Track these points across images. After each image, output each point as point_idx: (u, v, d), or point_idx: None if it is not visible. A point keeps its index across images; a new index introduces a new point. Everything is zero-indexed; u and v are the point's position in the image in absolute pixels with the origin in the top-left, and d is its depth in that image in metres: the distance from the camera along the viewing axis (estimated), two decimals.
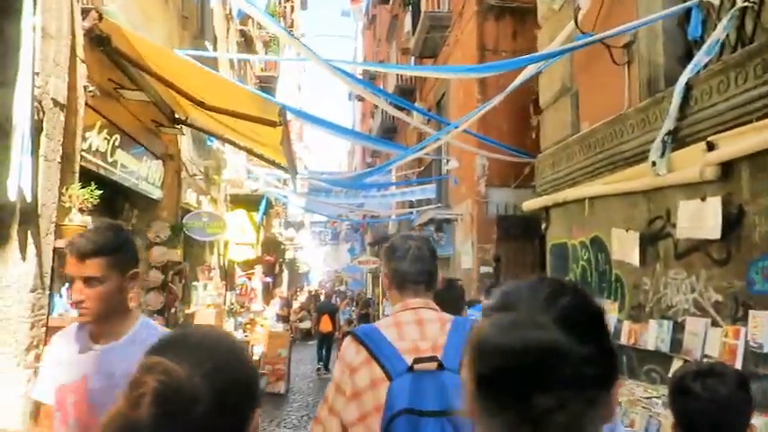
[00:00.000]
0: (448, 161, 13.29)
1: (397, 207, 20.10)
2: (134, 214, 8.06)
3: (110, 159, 6.38)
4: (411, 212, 16.30)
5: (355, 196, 16.02)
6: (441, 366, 1.87)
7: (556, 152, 8.12)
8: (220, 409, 0.91)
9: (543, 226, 8.77)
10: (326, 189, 15.82)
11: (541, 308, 0.89)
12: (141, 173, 7.61)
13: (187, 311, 10.28)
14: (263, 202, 13.93)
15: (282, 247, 27.62)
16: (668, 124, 5.39)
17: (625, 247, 6.35)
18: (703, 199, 5.02)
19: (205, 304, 11.37)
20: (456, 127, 9.18)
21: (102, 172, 6.20)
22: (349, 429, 1.92)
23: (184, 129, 8.95)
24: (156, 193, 8.41)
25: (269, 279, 18.79)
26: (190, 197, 9.99)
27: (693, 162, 5.09)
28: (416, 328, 2.03)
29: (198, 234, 9.54)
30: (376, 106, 28.61)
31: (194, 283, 11.27)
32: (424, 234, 13.80)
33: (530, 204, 8.98)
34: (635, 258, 6.10)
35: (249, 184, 14.07)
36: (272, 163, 8.59)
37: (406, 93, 19.46)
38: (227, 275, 13.77)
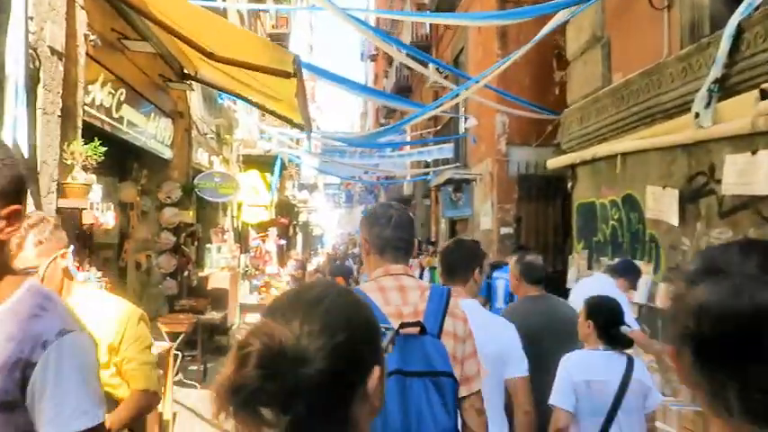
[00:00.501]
0: (466, 119, 12.83)
1: (412, 167, 19.70)
2: (144, 174, 7.76)
3: (115, 115, 6.05)
4: (427, 173, 15.90)
5: (370, 157, 15.63)
6: (423, 331, 1.94)
7: (584, 106, 7.68)
8: (332, 370, 0.89)
9: (569, 185, 8.38)
10: (340, 150, 15.46)
11: (757, 271, 0.80)
12: (150, 131, 7.28)
13: (201, 274, 10.06)
14: (277, 163, 13.59)
15: (296, 209, 27.37)
16: (715, 72, 4.95)
17: (662, 206, 5.97)
18: (754, 152, 4.61)
19: (219, 267, 11.15)
20: (477, 81, 8.73)
21: (107, 128, 5.87)
22: None
23: (194, 85, 8.58)
24: (167, 153, 8.09)
25: (283, 241, 18.56)
26: (201, 157, 9.67)
27: (743, 112, 4.66)
28: (399, 294, 2.10)
29: (210, 195, 9.25)
30: (389, 65, 27.99)
31: (208, 246, 11.04)
32: (443, 193, 13.43)
33: (555, 162, 8.57)
34: (673, 217, 5.72)
35: (262, 145, 13.73)
36: (286, 120, 8.22)
37: (422, 50, 18.87)
38: (241, 238, 13.54)
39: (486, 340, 2.47)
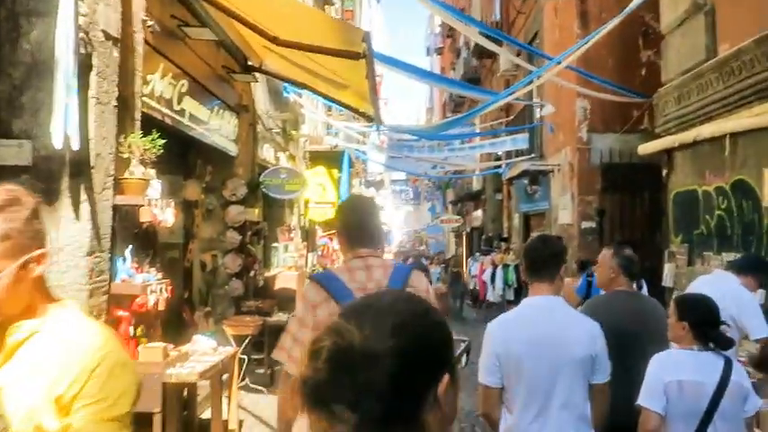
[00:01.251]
0: (542, 107, 12.09)
1: (482, 161, 19.00)
2: (208, 171, 7.47)
3: (176, 107, 5.73)
4: (499, 166, 15.21)
5: (439, 151, 15.06)
6: None
7: (683, 83, 6.90)
8: (401, 372, 0.92)
9: (664, 172, 7.59)
10: (408, 144, 14.97)
11: None
12: (213, 125, 6.97)
13: (267, 274, 9.76)
14: (345, 159, 13.21)
15: None
16: None
17: None
18: None
19: (286, 266, 10.85)
20: (558, 62, 8.04)
21: (167, 121, 5.56)
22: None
23: (259, 78, 8.25)
24: (231, 148, 7.79)
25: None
26: (267, 153, 9.36)
27: None
28: (364, 272, 2.41)
29: (276, 192, 8.92)
30: (457, 57, 27.28)
31: (274, 245, 10.75)
32: (517, 186, 12.73)
33: (647, 147, 7.80)
34: None
35: (328, 140, 13.39)
36: (354, 110, 7.78)
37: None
38: (309, 236, 13.24)
39: (571, 342, 2.55)
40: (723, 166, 6.18)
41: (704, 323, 2.83)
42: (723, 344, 2.82)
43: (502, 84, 17.51)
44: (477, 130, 17.03)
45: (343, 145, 13.43)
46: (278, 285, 9.94)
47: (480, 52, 19.89)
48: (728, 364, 2.76)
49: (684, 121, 6.93)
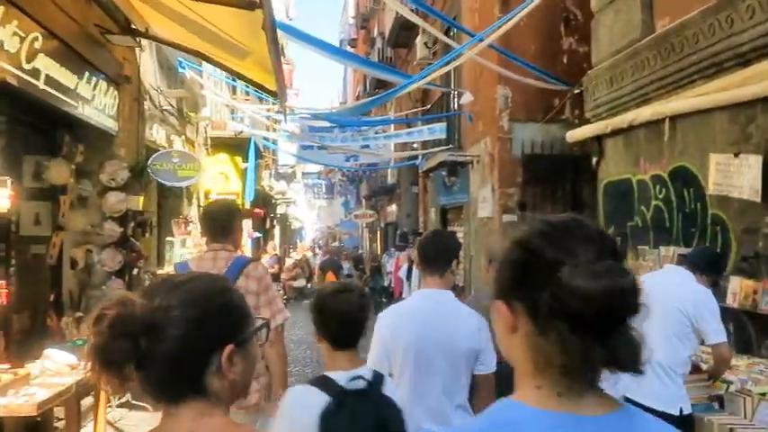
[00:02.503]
0: (460, 95, 11.50)
1: (398, 152, 18.32)
2: (79, 151, 6.30)
3: (26, 66, 4.60)
4: (415, 156, 14.56)
5: (353, 140, 14.25)
6: None
7: (616, 64, 6.38)
8: (182, 339, 1.06)
9: (594, 161, 7.10)
10: (320, 135, 14.09)
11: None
12: (84, 94, 5.84)
13: (159, 272, 8.63)
14: (251, 147, 12.14)
15: (273, 201, 25.88)
16: None
17: (733, 179, 4.68)
18: None
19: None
20: (481, 39, 7.39)
21: (12, 82, 4.43)
22: None
23: (146, 45, 7.14)
24: (110, 125, 6.65)
25: (258, 235, 17.09)
26: (158, 135, 8.22)
27: None
28: (211, 261, 3.06)
29: (167, 178, 7.80)
30: (371, 47, 26.50)
31: (169, 239, 9.60)
32: (435, 178, 12.08)
33: (576, 134, 7.29)
34: (753, 192, 4.44)
35: (233, 126, 12.27)
36: (256, 85, 6.83)
37: (407, 26, 17.50)
38: None
39: (457, 335, 2.62)
40: (661, 153, 5.69)
41: None
42: None
43: (419, 71, 16.89)
44: (392, 126, 16.35)
45: (249, 132, 12.36)
46: None
47: (396, 41, 19.25)
48: None
49: (617, 104, 6.42)
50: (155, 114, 8.03)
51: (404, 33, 18.39)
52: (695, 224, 5.22)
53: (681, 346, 3.57)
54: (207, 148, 11.79)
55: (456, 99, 12.58)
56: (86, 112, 5.92)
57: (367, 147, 13.41)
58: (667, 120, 5.44)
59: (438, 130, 12.01)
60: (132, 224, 6.84)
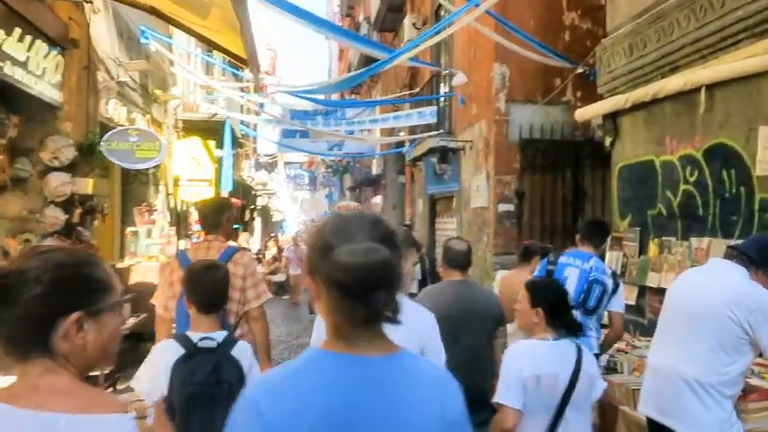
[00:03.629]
0: (452, 76, 10.66)
1: (383, 145, 17.44)
2: (13, 122, 5.37)
3: None
4: (402, 143, 13.71)
5: (336, 124, 13.41)
6: None
7: (637, 30, 5.57)
8: (27, 306, 1.22)
9: (608, 141, 6.28)
10: (301, 120, 13.24)
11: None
12: (15, 54, 4.91)
13: (119, 265, 7.73)
14: (227, 131, 11.20)
15: (254, 192, 24.90)
16: None
17: None
18: None
19: (146, 256, 8.81)
20: (476, 4, 6.54)
21: None
22: (171, 301, 3.43)
23: (101, 9, 6.22)
24: (53, 96, 5.73)
25: (237, 226, 16.13)
26: (115, 111, 7.28)
27: None
28: (205, 251, 3.46)
29: (123, 159, 6.85)
30: (357, 31, 25.54)
31: (132, 229, 8.68)
32: (425, 165, 11.21)
33: (587, 112, 6.49)
34: None
35: (207, 108, 11.33)
36: (225, 52, 5.96)
37: (395, 8, 16.64)
38: (182, 220, 11.16)
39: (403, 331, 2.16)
40: (693, 129, 4.88)
41: (558, 309, 2.79)
42: (575, 329, 2.80)
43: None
44: (378, 111, 15.44)
45: (224, 114, 11.43)
46: (134, 279, 7.95)
47: (382, 25, 18.37)
48: (580, 353, 2.72)
49: (638, 76, 5.61)
50: (111, 87, 7.10)
51: (390, 16, 17.52)
52: (737, 211, 4.43)
53: (729, 360, 2.76)
54: (178, 132, 10.85)
55: (447, 81, 11.74)
56: (18, 76, 5.00)
57: (352, 133, 12.53)
58: (704, 89, 4.63)
59: (428, 114, 11.17)
60: (79, 210, 5.92)
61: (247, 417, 1.21)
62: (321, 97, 11.31)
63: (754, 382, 3.16)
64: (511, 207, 9.25)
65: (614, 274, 4.10)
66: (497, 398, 2.65)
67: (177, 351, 2.51)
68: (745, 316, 2.72)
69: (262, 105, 11.40)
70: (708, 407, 2.72)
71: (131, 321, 6.63)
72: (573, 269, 3.97)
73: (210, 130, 11.25)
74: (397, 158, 18.20)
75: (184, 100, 11.22)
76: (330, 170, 25.06)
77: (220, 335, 2.64)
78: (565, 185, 9.24)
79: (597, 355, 3.96)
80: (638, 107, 5.55)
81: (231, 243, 3.79)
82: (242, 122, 14.19)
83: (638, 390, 3.61)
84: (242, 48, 5.38)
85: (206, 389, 2.44)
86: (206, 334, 2.59)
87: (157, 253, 9.25)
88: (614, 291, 3.96)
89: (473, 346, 3.27)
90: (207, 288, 2.69)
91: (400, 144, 15.13)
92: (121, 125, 7.33)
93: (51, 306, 1.22)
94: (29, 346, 1.23)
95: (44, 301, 1.21)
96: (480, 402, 2.68)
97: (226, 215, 3.66)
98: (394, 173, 18.23)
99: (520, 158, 9.24)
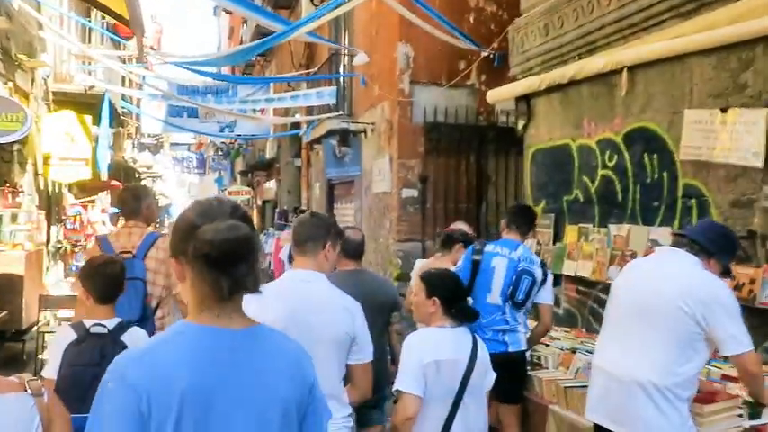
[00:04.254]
0: (353, 56, 10.21)
1: (278, 124, 16.67)
2: None
3: None
4: (299, 127, 13.11)
5: (228, 102, 12.60)
6: (134, 256, 3.40)
7: (554, 8, 5.35)
8: None
9: (521, 124, 6.06)
10: (190, 97, 12.30)
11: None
12: None
13: None
14: (105, 105, 10.12)
15: (137, 176, 23.30)
16: None
17: (718, 140, 3.76)
18: None
19: (11, 243, 7.77)
20: None
21: None
22: None
23: None
24: None
25: (114, 210, 14.84)
26: None
27: None
28: (127, 237, 3.56)
29: None
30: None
31: None
32: (324, 148, 10.68)
33: (500, 93, 6.26)
34: (752, 155, 3.53)
35: (82, 80, 10.21)
36: (106, 10, 5.17)
37: None
38: (52, 203, 10.01)
39: (328, 321, 2.48)
40: (613, 111, 4.73)
41: (454, 298, 2.83)
42: (472, 317, 2.86)
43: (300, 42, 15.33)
44: (272, 93, 14.67)
45: (103, 87, 10.34)
46: None
47: (277, 1, 17.55)
48: (475, 340, 2.80)
49: (554, 56, 5.42)
50: None
51: None
52: (659, 197, 4.30)
53: (684, 359, 2.53)
54: (48, 104, 9.70)
55: (346, 61, 11.27)
56: None
57: (244, 112, 11.79)
58: (625, 70, 4.46)
59: (327, 94, 10.64)
60: None
61: (116, 386, 1.27)
62: (212, 70, 10.46)
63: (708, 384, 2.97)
64: (414, 192, 8.97)
65: (543, 264, 3.82)
66: (398, 385, 2.67)
67: (70, 336, 2.69)
68: (699, 308, 2.49)
69: (144, 78, 10.41)
70: (663, 411, 2.46)
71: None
72: (501, 259, 3.66)
73: (87, 104, 10.14)
74: (293, 141, 17.52)
75: (56, 70, 10.05)
76: (221, 153, 23.87)
77: (112, 322, 2.77)
78: (469, 170, 9.06)
79: (524, 352, 3.69)
80: (553, 89, 5.35)
81: (150, 229, 3.82)
82: (123, 97, 13.02)
83: (571, 387, 3.38)
84: (124, 5, 4.67)
85: (89, 369, 2.54)
86: (99, 320, 2.73)
87: (23, 240, 8.20)
88: (543, 281, 3.69)
89: (370, 332, 3.11)
90: (105, 282, 2.82)
91: (296, 126, 14.52)
92: None
93: None
94: None
95: None
96: (375, 386, 2.76)
97: (145, 202, 3.75)
98: (289, 156, 17.56)
99: (424, 142, 8.96)
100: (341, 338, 2.49)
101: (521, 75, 5.96)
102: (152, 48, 20.93)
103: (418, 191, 8.93)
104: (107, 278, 2.83)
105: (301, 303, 2.48)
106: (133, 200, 3.70)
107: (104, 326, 2.71)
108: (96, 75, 10.60)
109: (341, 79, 11.38)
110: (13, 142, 8.55)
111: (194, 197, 49.21)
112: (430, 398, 2.64)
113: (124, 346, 2.60)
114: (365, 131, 10.38)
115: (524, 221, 3.86)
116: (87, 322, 2.73)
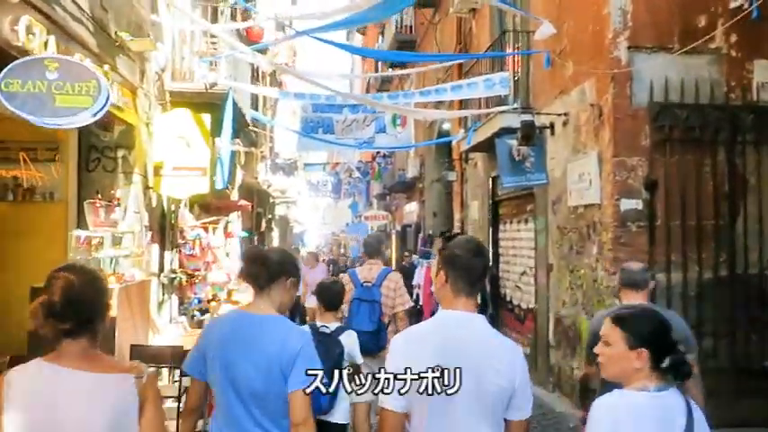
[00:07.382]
0: (529, 33, 7.75)
1: (424, 136, 14.49)
2: None
3: None
4: (449, 134, 10.76)
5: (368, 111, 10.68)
6: (373, 285, 4.98)
7: None
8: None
9: None
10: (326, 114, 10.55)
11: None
12: None
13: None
14: (229, 106, 8.35)
15: (271, 200, 22.06)
16: None
17: None
18: None
19: (113, 273, 5.96)
20: None
21: None
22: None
23: None
24: None
25: (245, 234, 13.19)
26: (33, 38, 4.43)
27: None
28: (368, 272, 5.14)
29: (33, 109, 3.95)
30: (384, 28, 22.66)
31: (76, 234, 5.83)
32: (499, 148, 8.16)
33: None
34: None
35: (203, 76, 8.49)
36: None
37: None
38: (167, 223, 8.28)
39: (487, 369, 2.10)
40: None
41: (667, 350, 2.02)
42: (682, 376, 2.04)
43: (454, 30, 13.12)
44: (413, 105, 12.47)
45: (226, 83, 8.60)
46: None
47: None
48: (690, 407, 2.00)
49: None
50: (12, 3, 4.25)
51: None
52: None
53: None
54: (163, 104, 8.05)
55: (520, 43, 8.83)
56: None
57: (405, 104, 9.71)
58: None
59: (498, 82, 8.17)
60: None
61: None
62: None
63: None
64: (638, 203, 6.30)
65: None
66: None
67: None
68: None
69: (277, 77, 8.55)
70: None
71: None
72: None
73: (206, 104, 8.41)
74: (439, 156, 15.29)
75: (174, 65, 8.42)
76: (357, 175, 22.15)
77: (334, 325, 3.97)
78: (717, 171, 6.30)
79: None
80: None
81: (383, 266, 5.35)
82: (253, 105, 11.36)
83: None
84: None
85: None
86: (325, 324, 3.95)
87: (129, 268, 6.42)
88: None
89: None
90: (331, 295, 4.13)
91: (444, 134, 12.18)
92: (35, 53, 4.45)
93: (90, 311, 1.98)
94: (85, 332, 1.91)
95: (87, 309, 1.97)
96: None
97: (384, 245, 5.50)
98: (435, 172, 15.28)
99: (650, 132, 6.33)
100: (498, 391, 2.07)
101: None
102: (286, 64, 19.71)
103: (643, 201, 6.27)
104: (332, 293, 4.08)
105: (459, 350, 2.09)
106: (377, 244, 5.57)
107: (328, 327, 3.86)
108: (218, 67, 8.90)
109: (512, 66, 8.96)
110: (117, 147, 6.90)
111: (328, 224, 48.41)
112: None
113: (341, 344, 3.71)
114: (552, 126, 7.84)
115: None
116: (317, 324, 3.93)
